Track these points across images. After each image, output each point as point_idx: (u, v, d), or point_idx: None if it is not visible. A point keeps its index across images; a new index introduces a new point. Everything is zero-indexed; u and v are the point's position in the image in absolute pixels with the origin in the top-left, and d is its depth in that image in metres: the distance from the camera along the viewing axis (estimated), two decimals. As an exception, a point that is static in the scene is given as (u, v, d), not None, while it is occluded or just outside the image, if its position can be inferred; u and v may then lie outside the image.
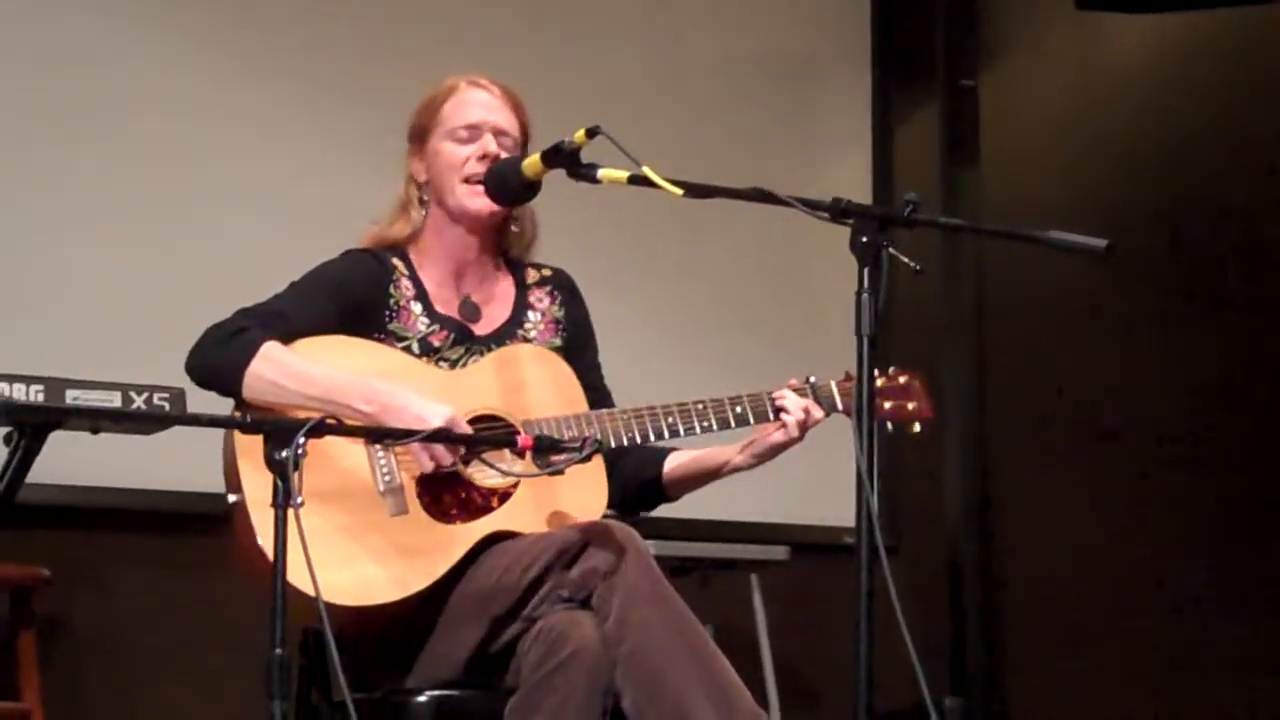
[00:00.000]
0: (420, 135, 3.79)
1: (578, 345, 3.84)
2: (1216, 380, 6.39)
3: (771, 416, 3.72)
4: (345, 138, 5.50)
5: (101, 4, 5.46)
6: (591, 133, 3.36)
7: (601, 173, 3.38)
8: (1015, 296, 6.65)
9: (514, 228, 3.84)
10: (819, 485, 5.67)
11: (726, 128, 6.33)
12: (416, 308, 3.72)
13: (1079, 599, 6.47)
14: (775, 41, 6.56)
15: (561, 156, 3.43)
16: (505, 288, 3.84)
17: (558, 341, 3.82)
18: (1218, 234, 6.44)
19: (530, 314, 3.83)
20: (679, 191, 3.25)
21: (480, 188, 3.68)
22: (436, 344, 3.70)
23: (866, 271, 3.07)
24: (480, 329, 3.76)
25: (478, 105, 3.76)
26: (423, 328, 3.71)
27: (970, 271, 6.72)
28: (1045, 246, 3.19)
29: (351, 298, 3.67)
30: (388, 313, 3.69)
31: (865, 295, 3.07)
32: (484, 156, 3.70)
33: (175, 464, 4.63)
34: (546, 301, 3.86)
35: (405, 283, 3.73)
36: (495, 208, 3.71)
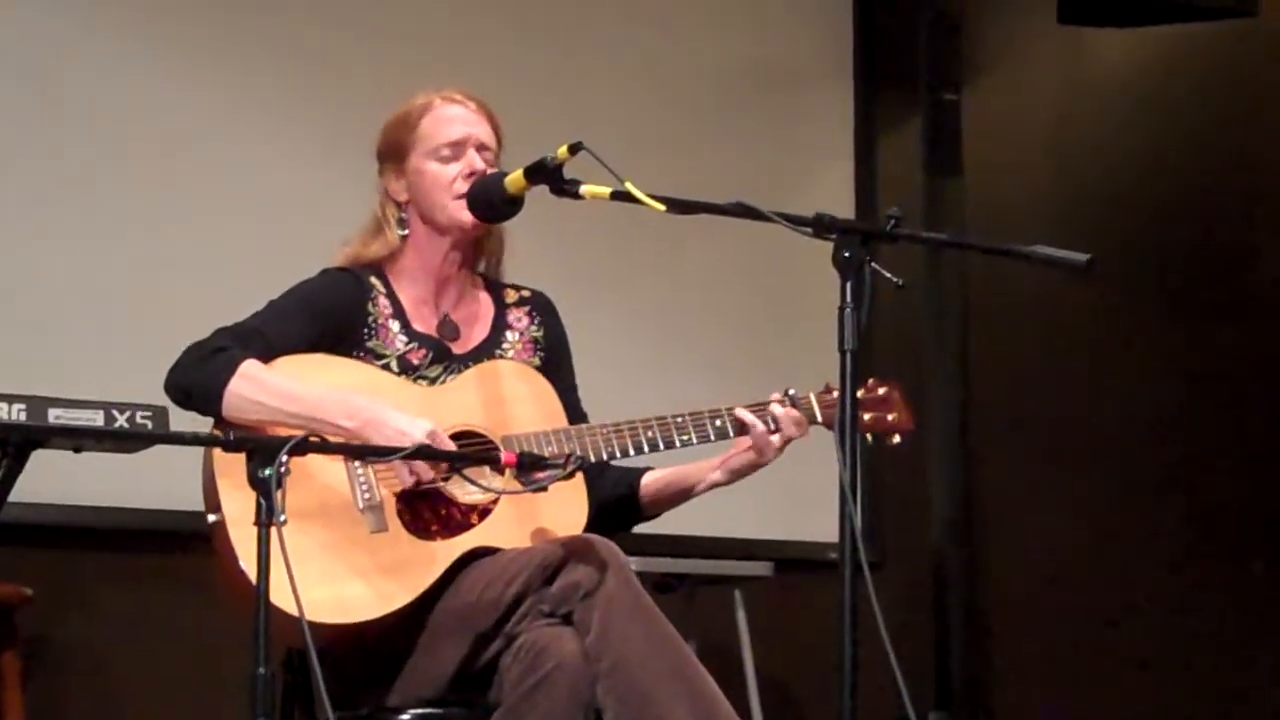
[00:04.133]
0: (397, 154, 3.77)
1: (555, 366, 3.84)
2: (1203, 389, 6.40)
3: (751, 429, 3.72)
4: (329, 156, 5.48)
5: (88, 21, 5.45)
6: (574, 148, 3.36)
7: (584, 188, 3.38)
8: (999, 308, 6.65)
9: (487, 242, 3.83)
10: (803, 501, 5.67)
11: (709, 140, 6.33)
12: (394, 326, 3.72)
13: (1064, 612, 6.47)
14: (758, 54, 6.56)
15: (545, 172, 3.43)
16: (484, 307, 3.84)
17: (535, 361, 3.82)
18: (1201, 244, 6.45)
19: (509, 334, 3.83)
20: (661, 207, 3.25)
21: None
22: (415, 362, 3.70)
23: (849, 286, 3.08)
24: (458, 348, 3.76)
25: (459, 121, 3.75)
26: (401, 345, 3.71)
27: (953, 283, 6.71)
28: (1028, 262, 3.19)
29: (329, 316, 3.67)
30: (366, 331, 3.69)
31: (848, 310, 3.07)
32: (471, 175, 3.70)
33: (158, 482, 4.61)
34: (525, 321, 3.86)
35: (383, 301, 3.73)
36: (481, 221, 3.71)
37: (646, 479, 3.85)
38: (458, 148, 3.73)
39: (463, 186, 3.70)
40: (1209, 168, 6.44)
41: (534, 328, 3.86)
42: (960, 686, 6.58)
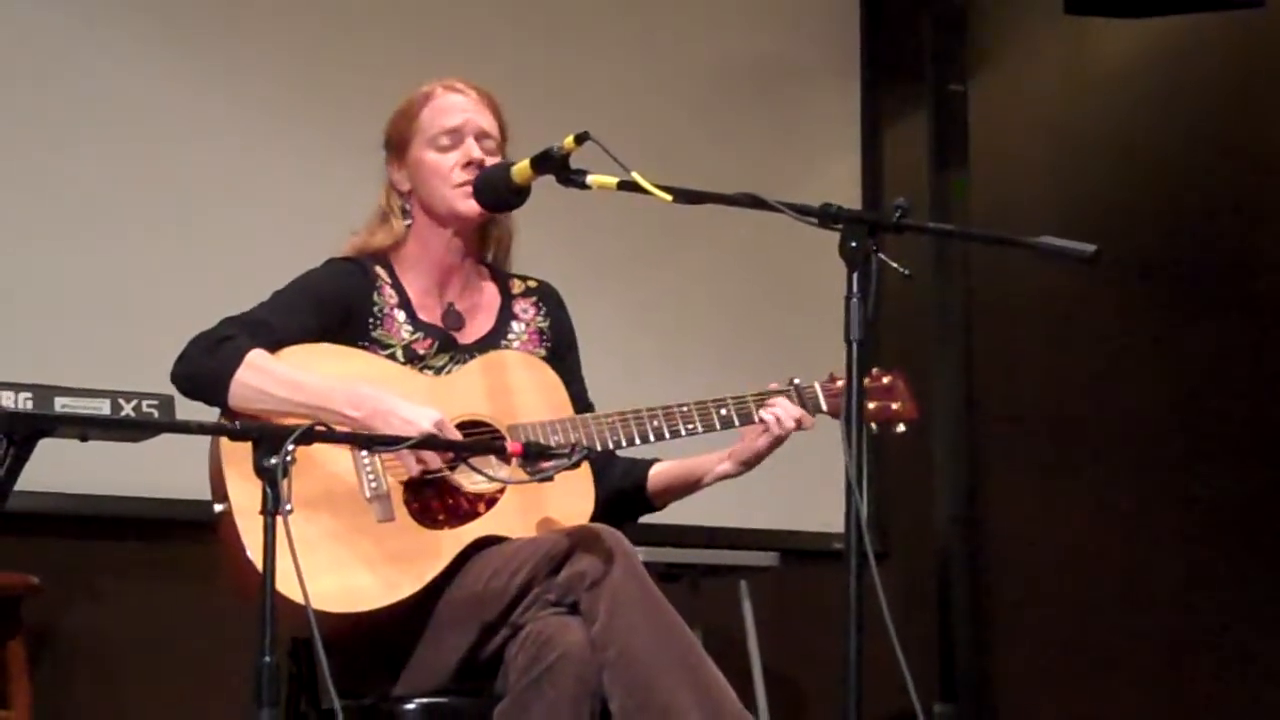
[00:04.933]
0: (399, 144, 3.78)
1: (561, 357, 3.84)
2: (1207, 384, 6.39)
3: (757, 419, 3.72)
4: (332, 146, 5.49)
5: (90, 15, 5.44)
6: (580, 138, 3.35)
7: (591, 178, 3.37)
8: (1004, 300, 6.65)
9: (493, 230, 3.83)
10: (809, 491, 5.67)
11: (716, 132, 6.33)
12: (400, 315, 3.72)
13: (1069, 604, 6.47)
14: (765, 47, 6.56)
15: (551, 162, 3.41)
16: (490, 297, 3.84)
17: (541, 352, 3.82)
18: (1206, 237, 6.44)
19: (515, 324, 3.83)
20: (668, 197, 3.24)
21: (469, 189, 3.68)
22: (420, 351, 3.70)
23: (856, 276, 3.07)
24: (464, 337, 3.76)
25: (457, 109, 3.75)
26: (406, 335, 3.71)
27: (959, 275, 6.72)
28: (1033, 252, 3.19)
29: (335, 306, 3.67)
30: (371, 320, 3.69)
31: (854, 300, 3.07)
32: (469, 164, 3.70)
33: (164, 471, 4.62)
34: (531, 312, 3.86)
35: (388, 290, 3.73)
36: (484, 210, 3.71)
37: (654, 470, 3.85)
38: (455, 135, 3.73)
39: (460, 175, 3.70)
40: (1216, 160, 6.43)
41: (540, 318, 3.86)
42: (965, 679, 6.58)
